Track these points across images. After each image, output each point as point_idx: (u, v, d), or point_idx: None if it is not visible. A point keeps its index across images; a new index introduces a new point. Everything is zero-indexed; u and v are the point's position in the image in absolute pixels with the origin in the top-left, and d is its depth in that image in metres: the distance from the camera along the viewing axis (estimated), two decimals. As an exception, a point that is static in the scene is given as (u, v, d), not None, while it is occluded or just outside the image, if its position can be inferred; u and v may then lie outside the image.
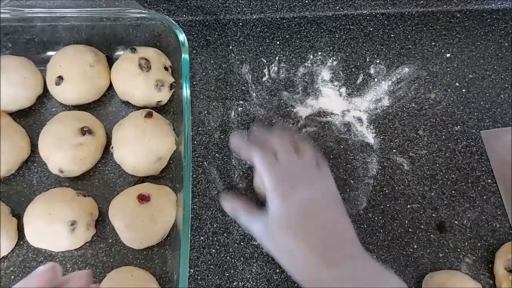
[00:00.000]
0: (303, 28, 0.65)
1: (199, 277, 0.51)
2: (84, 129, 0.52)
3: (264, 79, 0.61)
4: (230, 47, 0.63)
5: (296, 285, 0.51)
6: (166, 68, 0.56)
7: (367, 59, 0.63)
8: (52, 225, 0.48)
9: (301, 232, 0.40)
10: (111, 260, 0.51)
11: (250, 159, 0.47)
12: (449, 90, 0.62)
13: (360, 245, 0.42)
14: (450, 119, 0.61)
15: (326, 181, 0.46)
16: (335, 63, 0.63)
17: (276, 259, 0.43)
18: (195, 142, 0.57)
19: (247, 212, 0.46)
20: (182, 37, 0.54)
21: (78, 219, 0.49)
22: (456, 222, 0.55)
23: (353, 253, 0.41)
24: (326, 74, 0.62)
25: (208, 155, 0.57)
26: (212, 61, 0.62)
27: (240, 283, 0.51)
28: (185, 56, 0.54)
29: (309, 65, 0.63)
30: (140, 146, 0.51)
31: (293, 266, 0.41)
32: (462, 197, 0.56)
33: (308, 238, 0.40)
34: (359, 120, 0.60)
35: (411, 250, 0.53)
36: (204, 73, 0.61)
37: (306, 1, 0.64)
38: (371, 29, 0.66)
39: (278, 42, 0.64)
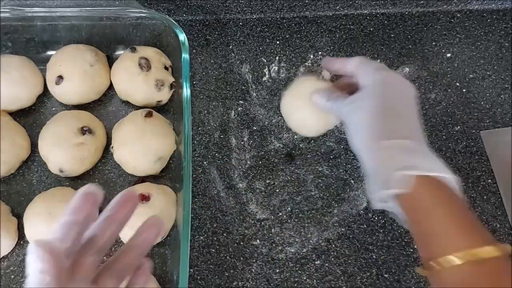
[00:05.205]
0: (303, 28, 0.65)
1: (199, 277, 0.51)
2: (84, 129, 0.52)
3: (264, 78, 0.61)
4: (230, 46, 0.63)
5: (296, 285, 0.51)
6: (166, 68, 0.56)
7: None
8: (52, 224, 0.48)
9: (378, 107, 0.44)
10: (111, 259, 0.51)
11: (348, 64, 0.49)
12: (449, 90, 0.62)
13: (421, 136, 0.44)
14: (450, 119, 0.61)
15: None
16: (335, 63, 0.63)
17: (344, 122, 0.48)
18: (195, 141, 0.57)
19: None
20: (182, 36, 0.54)
21: (78, 218, 0.49)
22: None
23: (417, 134, 0.44)
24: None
25: (208, 154, 0.57)
26: (212, 61, 0.62)
27: (240, 283, 0.51)
28: (185, 55, 0.54)
29: (310, 65, 0.63)
30: (140, 145, 0.51)
31: (357, 132, 0.45)
32: (462, 197, 0.56)
33: (381, 113, 0.43)
34: (359, 120, 0.60)
35: (411, 250, 0.53)
36: (204, 73, 0.61)
37: (307, 1, 0.64)
38: (371, 29, 0.66)
39: (278, 42, 0.64)
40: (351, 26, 0.66)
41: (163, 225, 0.37)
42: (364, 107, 0.44)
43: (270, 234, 0.53)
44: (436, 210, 0.38)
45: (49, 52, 0.57)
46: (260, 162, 0.57)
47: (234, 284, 0.51)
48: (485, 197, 0.57)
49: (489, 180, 0.57)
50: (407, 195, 0.39)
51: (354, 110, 0.46)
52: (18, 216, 0.51)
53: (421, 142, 0.43)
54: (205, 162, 0.56)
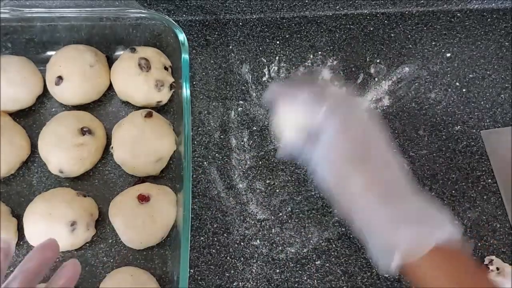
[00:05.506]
0: (303, 27, 0.65)
1: (199, 277, 0.51)
2: (84, 129, 0.52)
3: (264, 79, 0.61)
4: (230, 47, 0.63)
5: (296, 285, 0.51)
6: (166, 68, 0.56)
7: (367, 59, 0.63)
8: (52, 225, 0.48)
9: (356, 172, 0.40)
10: (111, 260, 0.51)
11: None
12: (449, 89, 0.62)
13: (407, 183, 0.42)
14: (450, 119, 0.60)
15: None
16: (335, 62, 0.63)
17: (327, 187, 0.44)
18: (195, 142, 0.57)
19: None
20: (182, 37, 0.54)
21: (78, 219, 0.49)
22: (456, 222, 0.55)
23: (403, 192, 0.41)
24: (326, 74, 0.62)
25: (208, 155, 0.57)
26: (212, 61, 0.62)
27: (240, 283, 0.51)
28: (185, 56, 0.54)
29: (309, 64, 0.63)
30: (140, 146, 0.51)
31: (347, 200, 0.42)
32: (463, 197, 0.56)
33: (362, 177, 0.40)
34: (359, 120, 0.60)
35: (411, 250, 0.53)
36: (204, 73, 0.61)
37: (306, 1, 0.64)
38: (371, 29, 0.65)
39: (278, 42, 0.64)
40: (351, 26, 0.65)
41: (79, 269, 0.36)
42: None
43: (271, 234, 0.53)
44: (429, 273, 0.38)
45: (49, 53, 0.57)
46: (260, 162, 0.57)
47: (234, 284, 0.51)
48: (485, 197, 0.56)
49: (489, 180, 0.57)
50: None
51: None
52: (18, 217, 0.51)
53: (415, 206, 0.40)
54: (205, 163, 0.56)
